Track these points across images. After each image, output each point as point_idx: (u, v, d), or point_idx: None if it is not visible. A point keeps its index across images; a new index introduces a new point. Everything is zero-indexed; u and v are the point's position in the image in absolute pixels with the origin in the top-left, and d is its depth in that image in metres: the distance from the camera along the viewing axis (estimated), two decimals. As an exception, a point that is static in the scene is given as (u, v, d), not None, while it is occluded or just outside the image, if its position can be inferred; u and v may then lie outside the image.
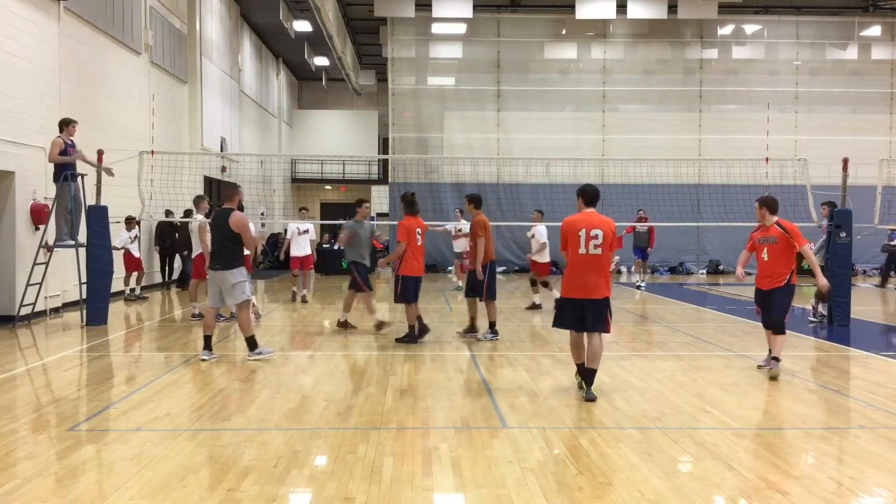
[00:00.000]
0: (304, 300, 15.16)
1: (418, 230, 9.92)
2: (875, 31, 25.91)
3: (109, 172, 12.12)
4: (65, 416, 6.28)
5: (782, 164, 18.00)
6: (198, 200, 12.84)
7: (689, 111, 25.68)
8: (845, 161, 12.64)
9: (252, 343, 8.75)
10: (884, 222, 14.58)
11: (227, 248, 8.57)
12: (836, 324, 11.76)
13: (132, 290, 15.20)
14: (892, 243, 20.02)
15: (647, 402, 6.73)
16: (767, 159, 17.20)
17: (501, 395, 7.01)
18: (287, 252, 15.61)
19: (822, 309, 12.19)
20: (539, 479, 4.70)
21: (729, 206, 19.20)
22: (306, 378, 7.95)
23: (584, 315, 6.81)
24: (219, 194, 23.26)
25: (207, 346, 8.77)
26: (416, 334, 10.07)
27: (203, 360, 8.63)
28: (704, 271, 24.80)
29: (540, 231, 13.93)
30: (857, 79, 25.91)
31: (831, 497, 4.46)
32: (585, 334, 6.87)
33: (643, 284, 19.12)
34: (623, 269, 23.83)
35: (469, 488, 4.58)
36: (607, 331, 6.88)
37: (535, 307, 14.12)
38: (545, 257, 13.97)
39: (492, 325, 10.41)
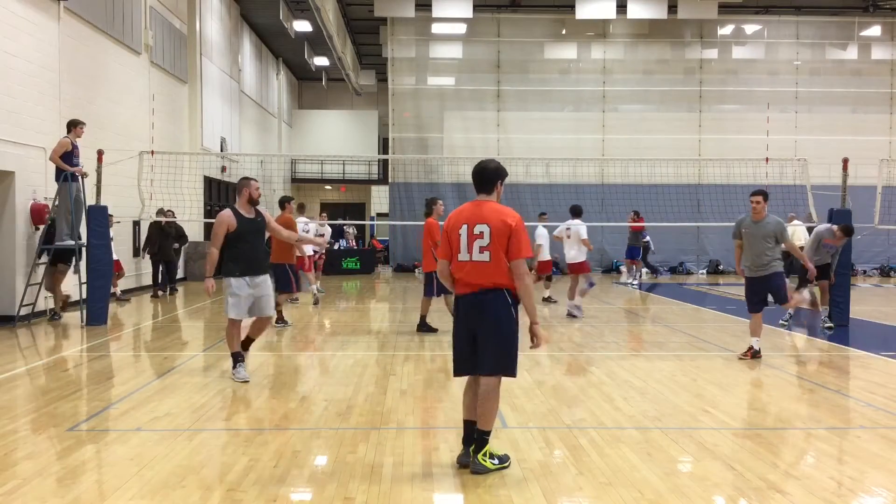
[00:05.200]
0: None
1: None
2: (875, 31, 25.91)
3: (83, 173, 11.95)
4: (65, 416, 6.27)
5: (782, 164, 18.00)
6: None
7: (689, 111, 25.67)
8: (845, 161, 12.62)
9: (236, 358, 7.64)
10: (884, 222, 14.56)
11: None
12: (836, 323, 11.75)
13: (112, 293, 14.92)
14: (645, 240, 21.75)
15: (647, 402, 6.72)
16: (767, 159, 17.19)
17: (501, 394, 6.97)
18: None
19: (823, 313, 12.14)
20: (539, 479, 4.69)
21: (729, 206, 19.19)
22: (306, 378, 7.95)
23: (474, 349, 4.84)
24: (218, 194, 23.28)
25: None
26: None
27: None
28: (704, 271, 24.80)
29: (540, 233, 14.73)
30: (857, 79, 25.91)
31: (831, 497, 4.46)
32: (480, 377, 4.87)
33: (631, 283, 20.00)
34: (623, 269, 23.85)
35: (469, 488, 4.58)
36: (509, 373, 4.90)
37: (548, 300, 15.09)
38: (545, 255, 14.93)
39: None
